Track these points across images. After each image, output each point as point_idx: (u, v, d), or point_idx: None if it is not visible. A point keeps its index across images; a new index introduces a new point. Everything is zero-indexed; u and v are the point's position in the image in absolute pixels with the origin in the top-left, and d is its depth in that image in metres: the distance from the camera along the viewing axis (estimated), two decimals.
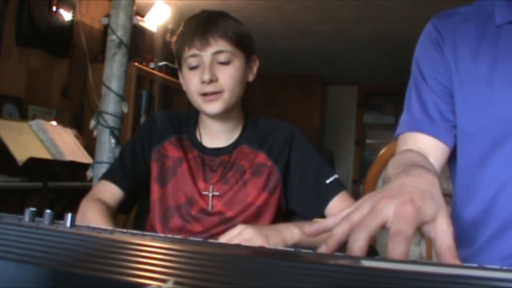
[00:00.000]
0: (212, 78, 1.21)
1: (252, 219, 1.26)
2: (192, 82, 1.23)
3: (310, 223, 1.15)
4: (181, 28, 1.28)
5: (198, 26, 1.22)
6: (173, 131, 1.33)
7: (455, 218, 1.01)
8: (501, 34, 0.99)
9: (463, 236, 0.98)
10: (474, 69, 0.99)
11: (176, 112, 1.40)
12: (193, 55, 1.22)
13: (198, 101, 1.25)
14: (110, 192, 1.28)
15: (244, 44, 1.26)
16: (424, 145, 1.01)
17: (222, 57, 1.22)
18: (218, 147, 1.31)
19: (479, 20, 1.03)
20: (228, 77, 1.23)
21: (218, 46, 1.21)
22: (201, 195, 1.27)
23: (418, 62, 1.10)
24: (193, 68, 1.23)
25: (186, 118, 1.36)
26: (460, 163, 1.03)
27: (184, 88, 1.30)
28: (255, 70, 1.33)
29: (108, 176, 1.32)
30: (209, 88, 1.21)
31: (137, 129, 1.39)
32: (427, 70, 1.06)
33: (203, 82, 1.21)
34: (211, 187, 1.27)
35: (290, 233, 1.06)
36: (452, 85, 1.03)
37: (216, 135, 1.32)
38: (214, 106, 1.23)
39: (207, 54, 1.21)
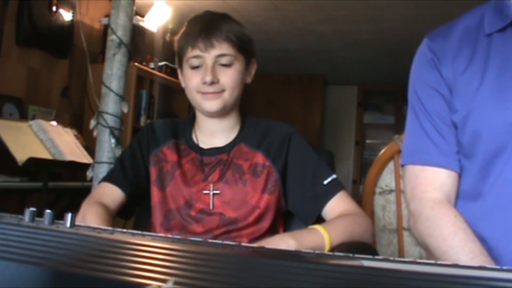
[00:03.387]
0: (214, 80, 1.23)
1: (254, 221, 1.26)
2: (193, 81, 1.26)
3: (306, 231, 1.14)
4: (184, 28, 1.30)
5: (202, 28, 1.24)
6: (171, 137, 1.35)
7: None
8: (491, 44, 1.01)
9: None
10: (467, 81, 1.01)
11: (173, 119, 1.42)
12: (196, 56, 1.25)
13: (197, 99, 1.27)
14: (111, 194, 1.29)
15: (245, 48, 1.29)
16: (446, 185, 1.04)
17: (224, 60, 1.25)
18: (215, 147, 1.32)
19: (471, 32, 1.04)
20: (228, 78, 1.25)
21: (221, 49, 1.24)
22: (201, 195, 1.27)
23: (415, 87, 1.10)
24: (194, 67, 1.26)
25: (183, 124, 1.38)
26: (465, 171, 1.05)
27: (183, 84, 1.33)
28: (253, 72, 1.35)
29: (109, 178, 1.34)
30: (210, 89, 1.24)
31: (136, 134, 1.40)
32: (425, 96, 1.07)
33: (204, 83, 1.23)
34: (211, 185, 1.27)
35: (286, 245, 1.05)
36: (452, 106, 1.03)
37: (212, 135, 1.33)
38: (213, 104, 1.25)
39: (210, 56, 1.24)
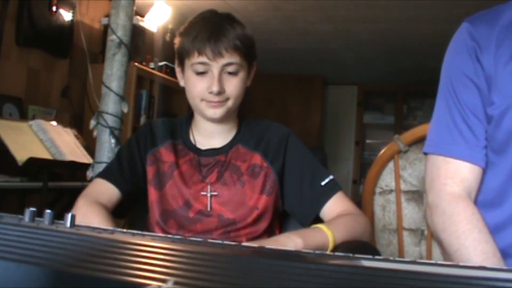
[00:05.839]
0: (221, 90, 1.22)
1: (252, 222, 1.26)
2: (198, 88, 1.24)
3: (310, 230, 1.15)
4: (188, 28, 1.26)
5: (211, 34, 1.21)
6: (168, 137, 1.34)
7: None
8: None
9: None
10: (510, 74, 0.95)
11: (170, 119, 1.41)
12: (203, 63, 1.22)
13: (200, 106, 1.26)
14: (107, 193, 1.26)
15: (250, 54, 1.28)
16: (468, 180, 1.01)
17: (231, 68, 1.23)
18: (213, 147, 1.32)
19: None
20: (234, 87, 1.24)
21: (230, 58, 1.22)
22: (199, 196, 1.27)
23: (449, 75, 1.05)
24: (199, 73, 1.24)
25: (180, 124, 1.37)
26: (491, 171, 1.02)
27: (181, 83, 1.31)
28: (252, 75, 1.34)
29: (105, 175, 1.30)
30: (215, 98, 1.23)
31: (134, 133, 1.39)
32: (459, 86, 1.03)
33: (210, 92, 1.22)
34: (209, 187, 1.27)
35: (293, 244, 1.05)
36: (489, 98, 0.98)
37: (211, 137, 1.33)
38: (216, 112, 1.25)
39: (217, 65, 1.22)
